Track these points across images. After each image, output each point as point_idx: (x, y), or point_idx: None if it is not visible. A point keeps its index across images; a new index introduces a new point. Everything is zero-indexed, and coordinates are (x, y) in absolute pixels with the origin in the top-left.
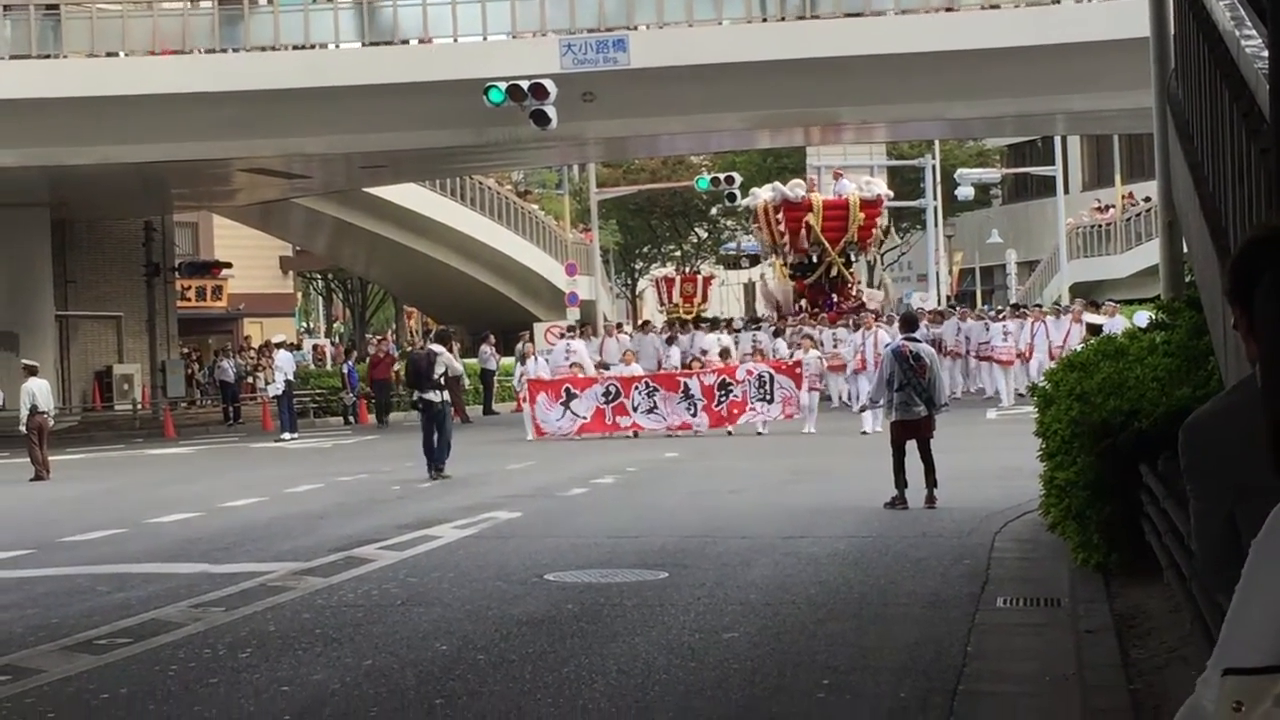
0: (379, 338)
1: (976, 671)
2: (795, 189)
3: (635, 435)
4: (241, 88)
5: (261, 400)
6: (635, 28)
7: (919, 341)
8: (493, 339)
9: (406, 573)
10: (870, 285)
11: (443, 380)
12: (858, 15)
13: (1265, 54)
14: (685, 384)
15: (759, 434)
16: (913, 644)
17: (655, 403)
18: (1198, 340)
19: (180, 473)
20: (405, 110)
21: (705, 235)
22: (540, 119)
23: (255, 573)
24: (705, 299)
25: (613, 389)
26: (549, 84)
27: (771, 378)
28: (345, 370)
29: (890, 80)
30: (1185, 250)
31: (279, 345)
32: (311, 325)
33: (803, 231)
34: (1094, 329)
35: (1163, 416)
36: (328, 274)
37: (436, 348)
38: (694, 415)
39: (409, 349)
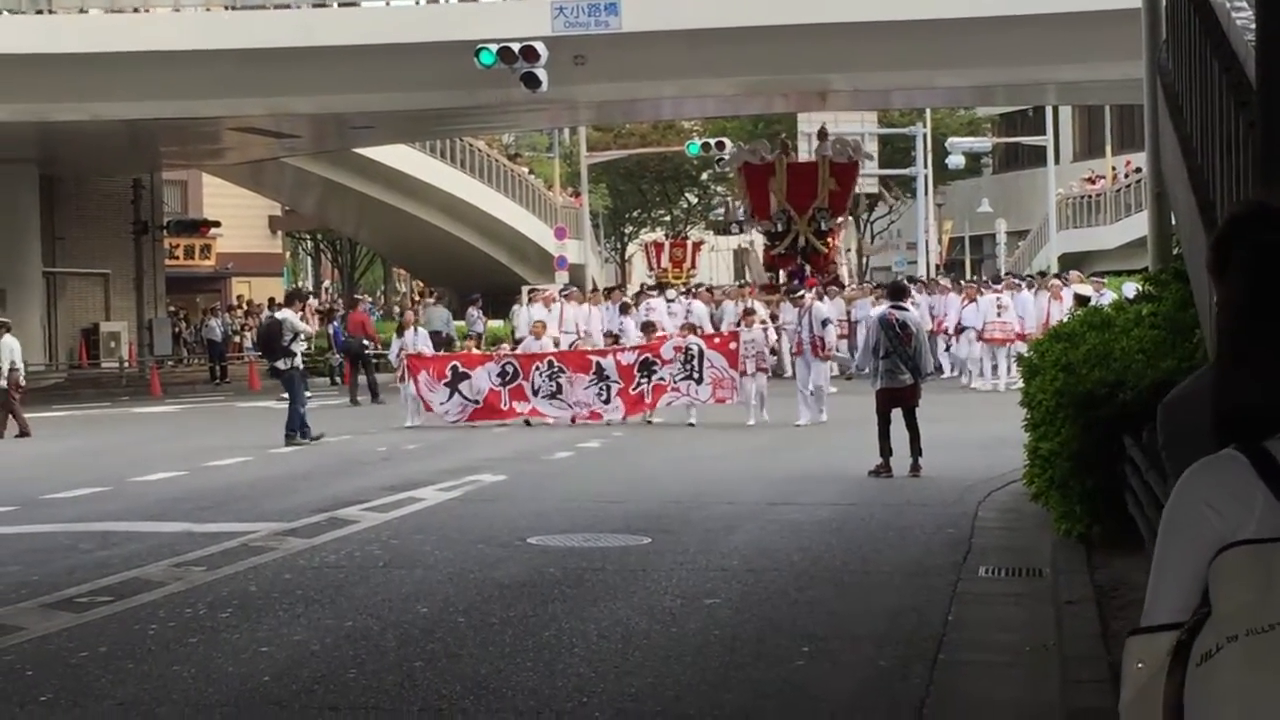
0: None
1: (957, 641)
2: (758, 150)
3: (528, 424)
4: (232, 45)
5: (249, 360)
6: None
7: (906, 310)
8: (480, 301)
9: (389, 534)
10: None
11: (294, 347)
12: None
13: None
14: (599, 364)
15: (690, 425)
16: (894, 612)
17: (559, 385)
18: (1184, 312)
19: (165, 431)
20: (396, 71)
21: (695, 200)
22: (531, 82)
23: (237, 533)
24: (694, 264)
25: (510, 369)
26: (540, 47)
27: (701, 353)
28: (331, 331)
29: (882, 48)
30: (1174, 222)
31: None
32: (300, 285)
33: (768, 197)
34: (1082, 300)
35: (1148, 388)
36: (316, 234)
37: (281, 314)
38: (606, 401)
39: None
